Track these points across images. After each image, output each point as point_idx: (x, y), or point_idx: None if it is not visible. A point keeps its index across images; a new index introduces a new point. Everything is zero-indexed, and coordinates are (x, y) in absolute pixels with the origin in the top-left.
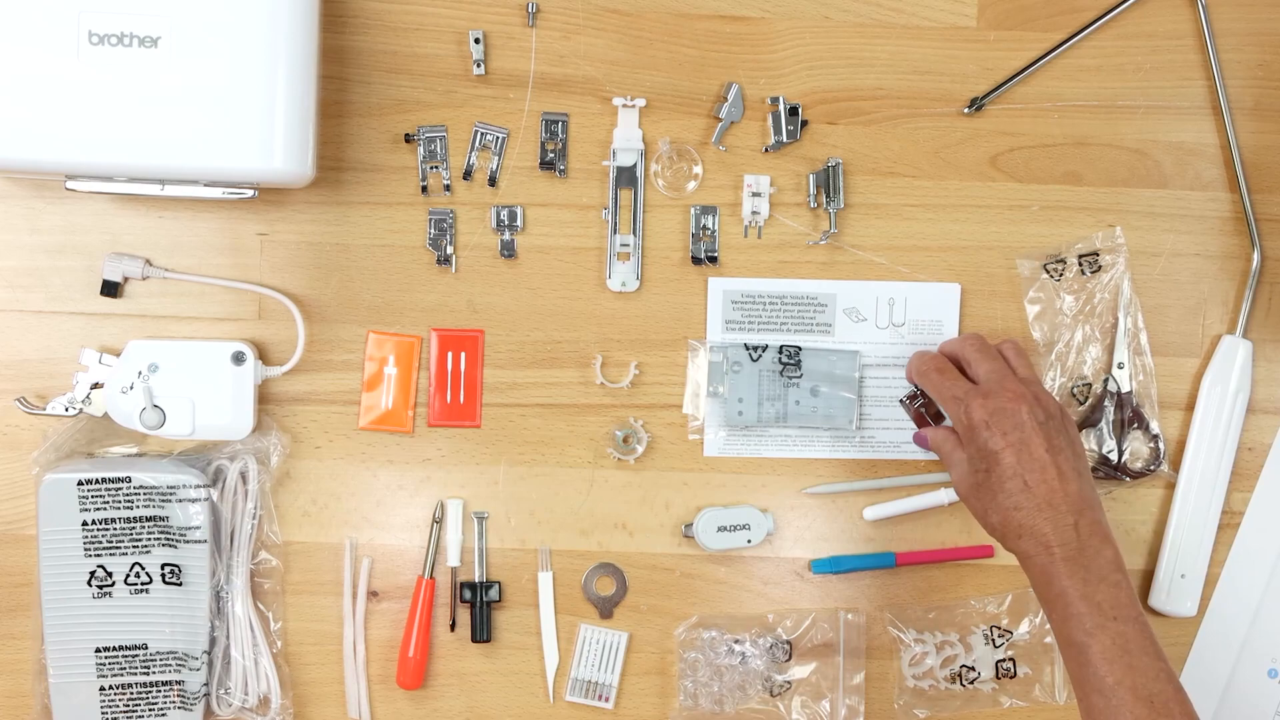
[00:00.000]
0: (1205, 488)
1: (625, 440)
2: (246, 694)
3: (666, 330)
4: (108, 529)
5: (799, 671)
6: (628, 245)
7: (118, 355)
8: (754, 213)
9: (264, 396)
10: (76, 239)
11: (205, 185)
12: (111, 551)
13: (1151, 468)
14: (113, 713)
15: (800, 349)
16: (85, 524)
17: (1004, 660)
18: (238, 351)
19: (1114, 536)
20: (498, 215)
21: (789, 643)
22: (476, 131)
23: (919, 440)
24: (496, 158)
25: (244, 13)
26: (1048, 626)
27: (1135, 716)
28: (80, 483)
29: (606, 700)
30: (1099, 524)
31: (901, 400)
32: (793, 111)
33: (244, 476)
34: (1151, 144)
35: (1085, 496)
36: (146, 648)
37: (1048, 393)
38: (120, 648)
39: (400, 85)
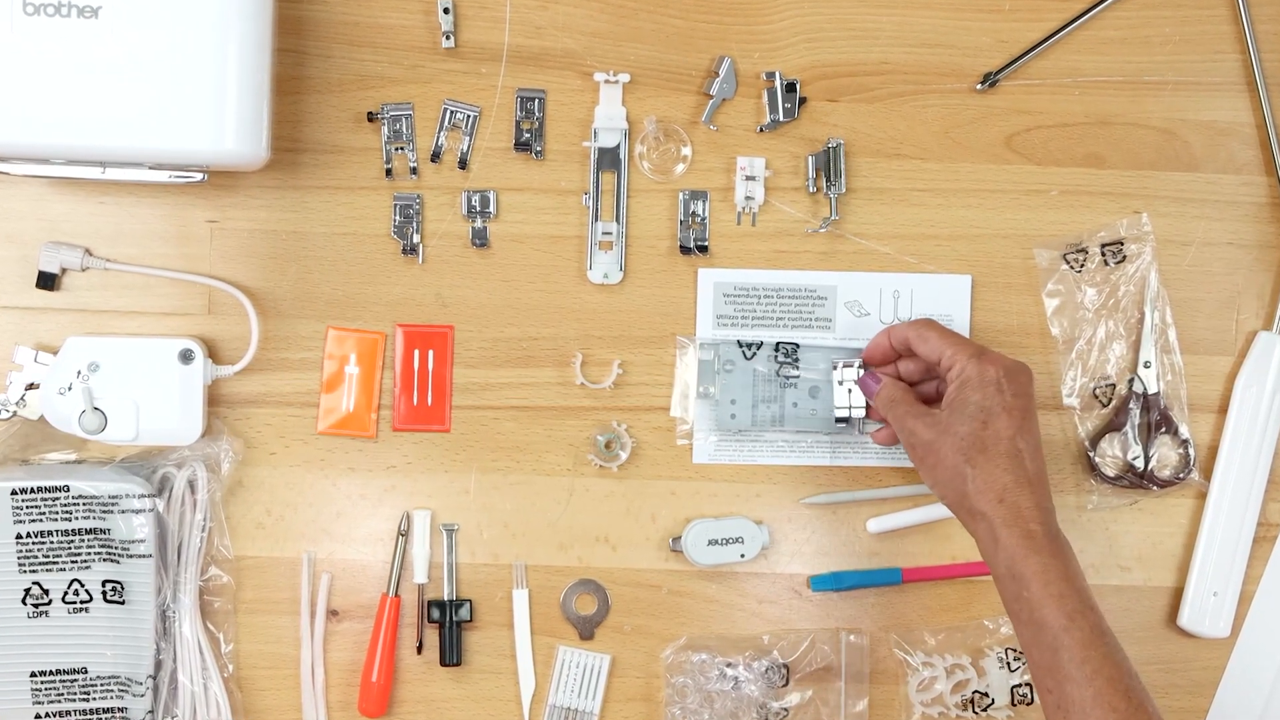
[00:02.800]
0: (1239, 497)
1: (608, 446)
2: None
3: (652, 326)
4: (44, 542)
5: (796, 698)
6: (610, 233)
7: (55, 353)
8: (748, 198)
9: (214, 398)
10: (10, 226)
11: (150, 168)
12: (48, 567)
13: (1181, 476)
14: None
15: (798, 346)
16: (19, 537)
17: (1020, 685)
18: (185, 349)
19: None
20: (469, 201)
21: (786, 666)
22: (445, 109)
23: (865, 384)
24: (467, 138)
25: None
26: None
27: (1113, 708)
28: (14, 492)
29: None
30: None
31: (859, 379)
32: (790, 88)
33: (192, 485)
34: (1180, 123)
35: (1050, 491)
36: (86, 672)
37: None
38: (57, 672)
39: (362, 59)
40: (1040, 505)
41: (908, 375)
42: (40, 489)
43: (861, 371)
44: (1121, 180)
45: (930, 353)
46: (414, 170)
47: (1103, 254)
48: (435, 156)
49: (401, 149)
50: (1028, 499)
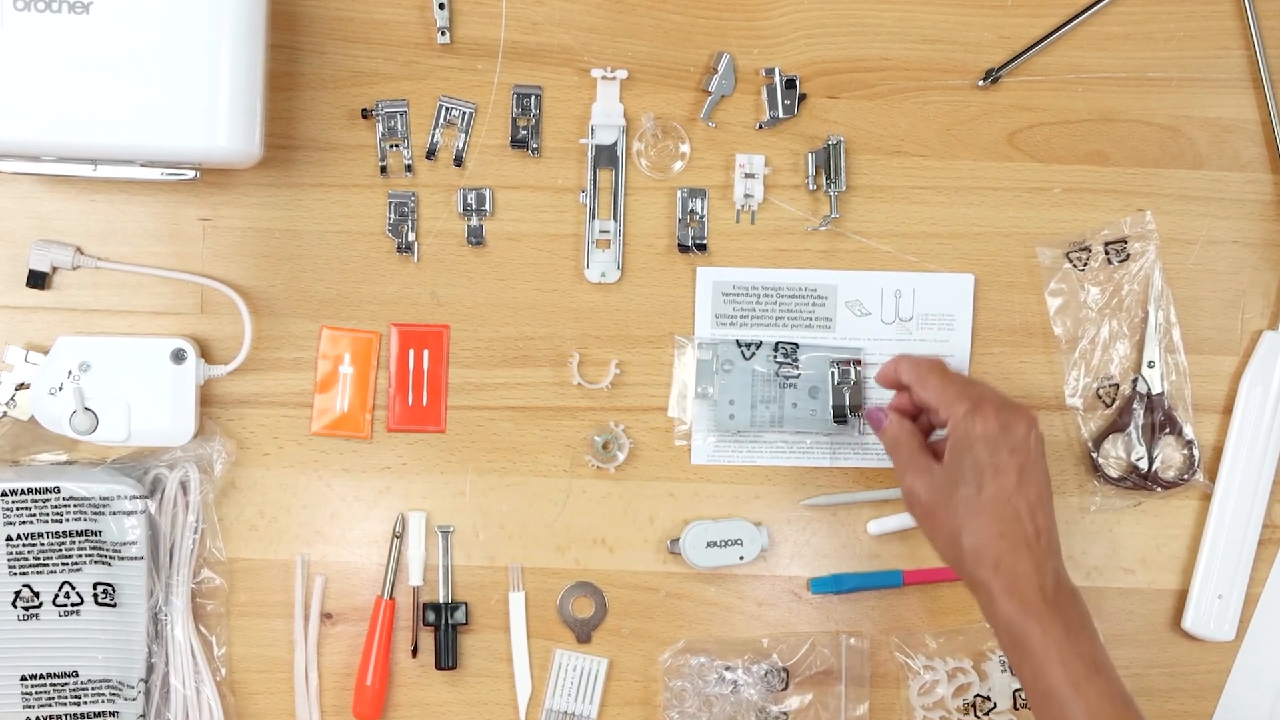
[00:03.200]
0: (1244, 499)
1: (605, 447)
2: None
3: (650, 325)
4: (34, 544)
5: (796, 702)
6: (608, 232)
7: (45, 353)
8: (747, 196)
9: (207, 398)
10: (0, 224)
11: (142, 165)
12: (38, 570)
13: (1185, 477)
14: None
15: (798, 346)
16: (9, 539)
17: (1022, 689)
18: (178, 349)
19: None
20: (464, 198)
21: (785, 670)
22: (441, 106)
23: (873, 418)
24: (463, 135)
25: None
26: None
27: None
28: (4, 494)
29: None
30: (1065, 572)
31: (865, 411)
32: (790, 84)
33: (185, 487)
34: (1185, 120)
35: (1057, 541)
36: (77, 675)
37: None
38: (48, 675)
39: (357, 55)
40: (1040, 568)
41: (919, 402)
42: (30, 490)
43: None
44: (1125, 178)
45: (929, 400)
46: (409, 168)
47: (1106, 252)
48: (430, 154)
49: (396, 146)
50: (1025, 563)
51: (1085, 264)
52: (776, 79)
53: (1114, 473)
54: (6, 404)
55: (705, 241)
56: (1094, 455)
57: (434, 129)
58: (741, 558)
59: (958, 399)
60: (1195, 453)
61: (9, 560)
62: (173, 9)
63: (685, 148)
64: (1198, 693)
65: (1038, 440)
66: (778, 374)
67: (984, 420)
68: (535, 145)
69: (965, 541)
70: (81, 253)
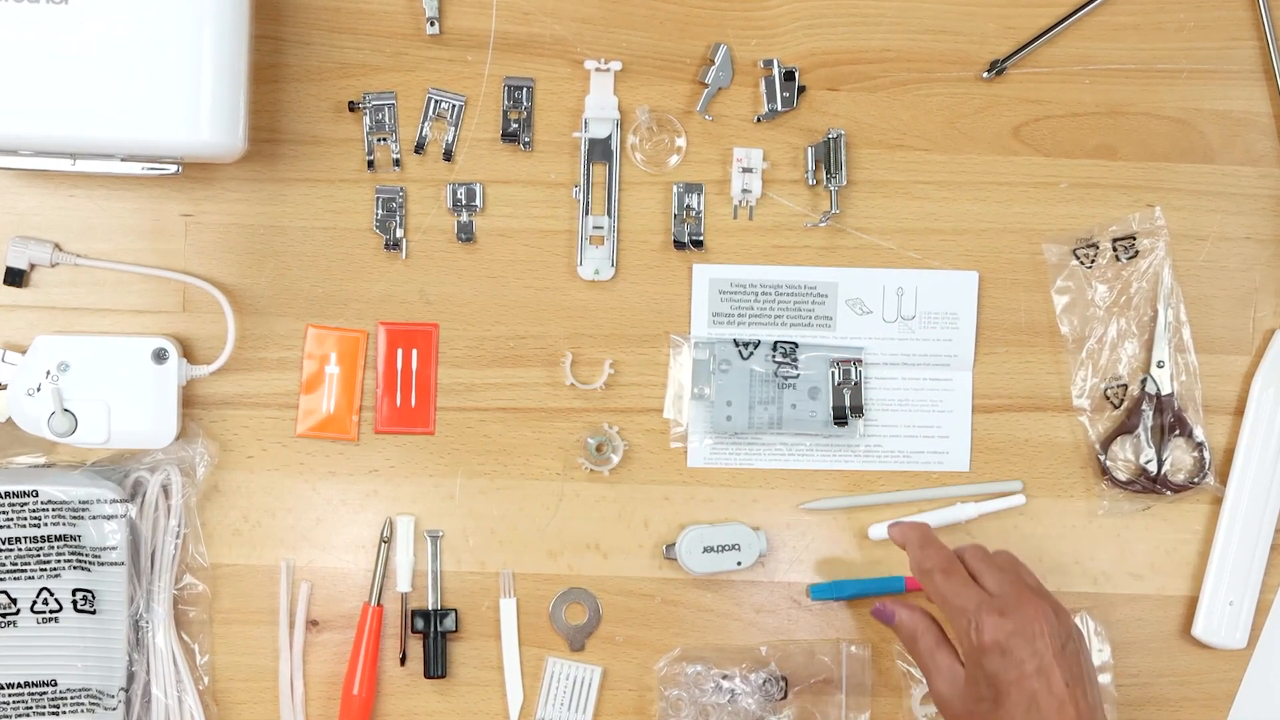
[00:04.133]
0: (1256, 503)
1: (599, 449)
2: None
3: (645, 324)
4: (11, 549)
5: (795, 711)
6: (601, 228)
7: (23, 353)
8: (745, 191)
9: (189, 399)
10: None
11: (122, 159)
12: (15, 575)
13: (1195, 480)
14: None
15: (797, 345)
16: None
17: None
18: (159, 348)
19: None
20: (454, 194)
21: (784, 678)
22: (430, 99)
23: (881, 615)
24: (453, 128)
25: None
26: None
27: None
28: None
29: None
30: None
31: (873, 609)
32: (789, 76)
33: (166, 490)
34: (1195, 113)
35: None
36: (55, 684)
37: (1062, 607)
38: (25, 684)
39: (343, 46)
40: None
41: None
42: (7, 494)
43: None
44: (1134, 172)
45: (933, 596)
46: (397, 162)
47: (1114, 249)
48: (419, 148)
49: (384, 140)
50: None
51: (1093, 261)
52: (775, 71)
53: (1122, 476)
54: None
55: (702, 238)
56: (1102, 458)
57: (423, 122)
58: (739, 563)
59: (956, 613)
60: (1206, 455)
61: None
62: None
63: (681, 141)
64: (1208, 702)
65: (1053, 637)
66: (776, 374)
67: (982, 635)
68: (527, 139)
69: None
70: (60, 249)
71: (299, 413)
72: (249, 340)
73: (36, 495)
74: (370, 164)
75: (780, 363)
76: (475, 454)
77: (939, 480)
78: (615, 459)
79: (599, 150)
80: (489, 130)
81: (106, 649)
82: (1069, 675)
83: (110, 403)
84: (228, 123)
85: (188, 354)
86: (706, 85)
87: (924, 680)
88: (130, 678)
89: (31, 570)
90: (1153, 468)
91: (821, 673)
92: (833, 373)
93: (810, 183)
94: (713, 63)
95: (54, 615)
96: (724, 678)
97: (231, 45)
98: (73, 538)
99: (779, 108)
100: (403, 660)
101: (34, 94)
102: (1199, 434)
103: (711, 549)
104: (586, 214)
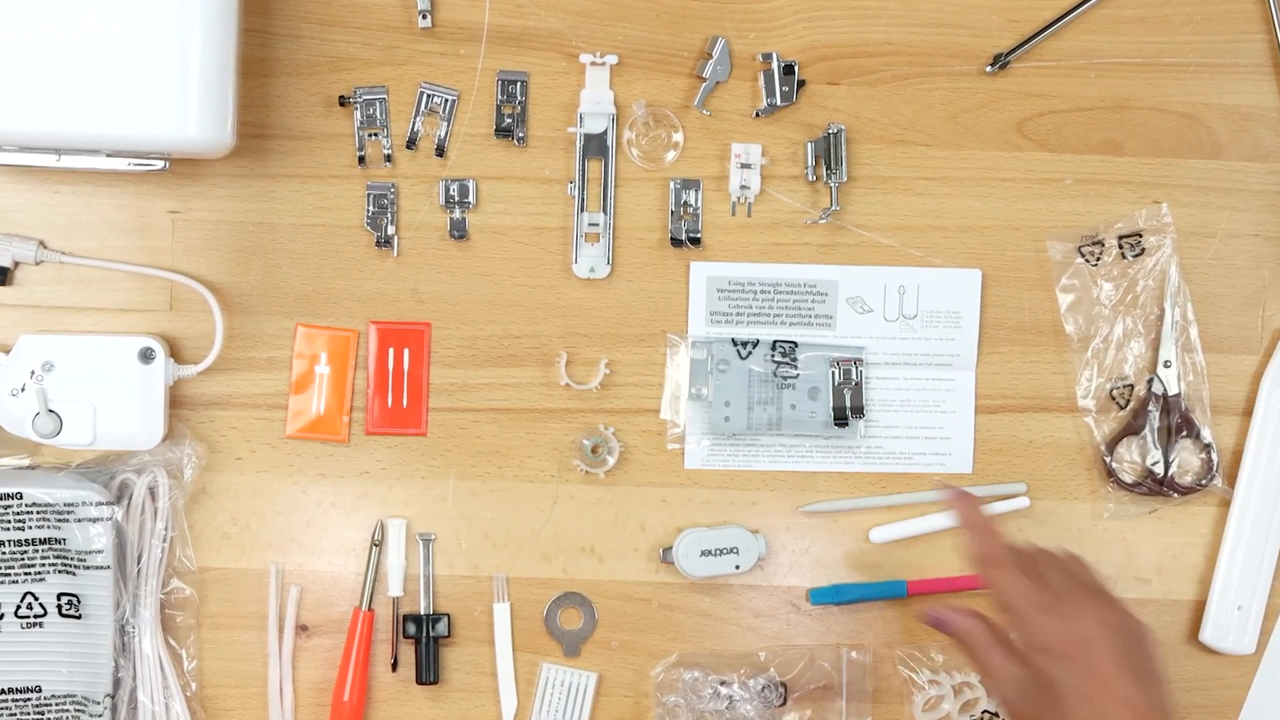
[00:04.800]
0: (1265, 505)
1: (594, 450)
2: None
3: (642, 323)
4: None
5: (795, 718)
6: (597, 225)
7: (7, 352)
8: (743, 187)
9: (176, 400)
10: None
11: (108, 155)
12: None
13: (1203, 482)
14: None
15: (796, 345)
16: None
17: None
18: (146, 348)
19: None
20: (446, 190)
21: (783, 685)
22: (422, 93)
23: (936, 623)
24: (445, 123)
25: None
26: None
27: None
28: None
29: None
30: None
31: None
32: (788, 70)
33: (153, 492)
34: (1203, 107)
35: None
36: (40, 690)
37: (1128, 609)
38: (9, 691)
39: (334, 39)
40: None
41: None
42: None
43: None
44: (1140, 168)
45: (992, 590)
46: (388, 158)
47: (1120, 246)
48: (411, 143)
49: (375, 135)
50: None
51: (1098, 259)
52: (774, 64)
53: (1128, 478)
54: None
55: (699, 235)
56: (1107, 460)
57: (415, 117)
58: (737, 567)
59: (1018, 608)
60: (1214, 457)
61: None
62: None
63: (678, 137)
64: (1216, 708)
65: (1114, 641)
66: (775, 374)
67: (1041, 636)
68: (521, 134)
69: None
70: (45, 247)
71: (288, 413)
72: (237, 340)
73: (20, 498)
74: (361, 160)
75: (779, 362)
76: (468, 455)
77: (942, 483)
78: (611, 461)
79: (594, 146)
80: (482, 125)
81: (92, 654)
82: (1133, 678)
83: (96, 403)
84: (216, 118)
85: (175, 353)
86: (704, 79)
87: (925, 688)
88: (116, 684)
89: (15, 574)
90: (1159, 470)
91: (821, 679)
92: (833, 373)
93: (810, 179)
94: (710, 56)
95: (38, 620)
96: (722, 684)
97: (220, 38)
98: (57, 541)
99: (778, 102)
100: (394, 666)
101: (18, 88)
102: (1206, 435)
103: (709, 552)
104: (582, 211)
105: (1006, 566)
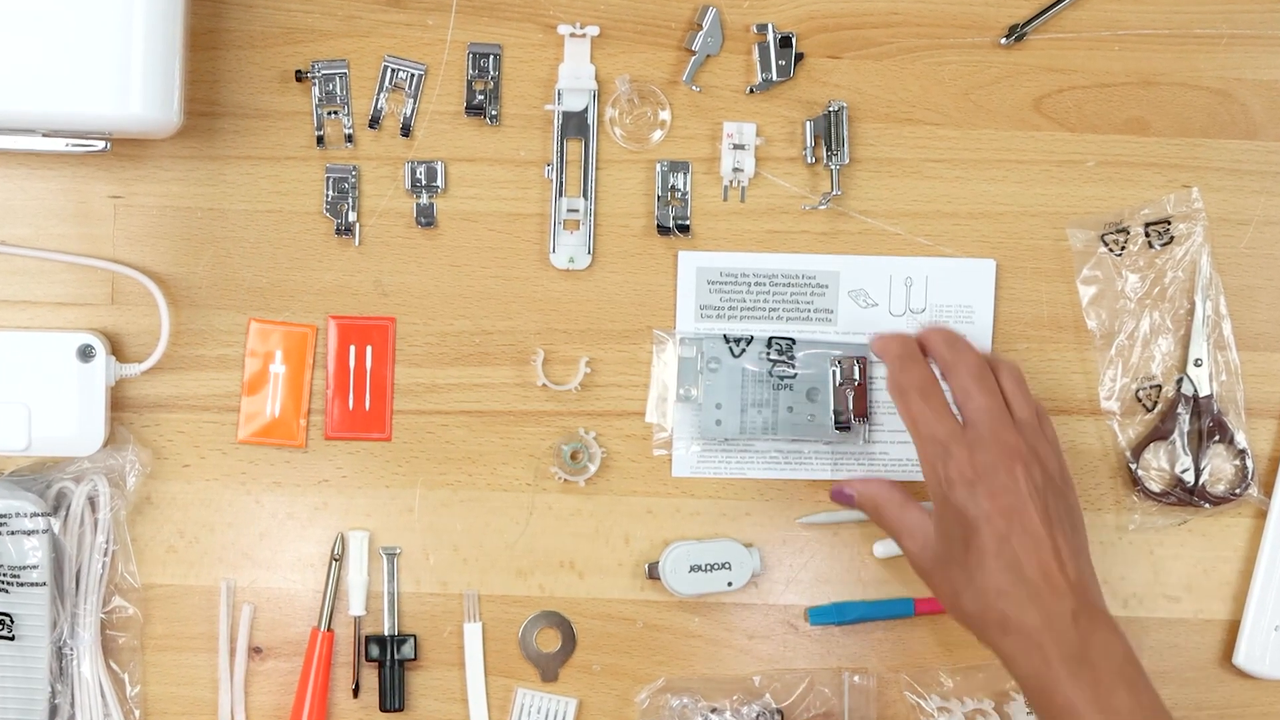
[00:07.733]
0: None
1: (573, 457)
2: None
3: (625, 318)
4: None
5: None
6: (576, 211)
7: None
8: (736, 170)
9: (118, 402)
10: None
11: (44, 135)
12: None
13: (1237, 491)
14: None
15: (794, 342)
16: None
17: None
18: (85, 345)
19: (1119, 625)
20: (413, 173)
21: (780, 712)
22: (386, 67)
23: (839, 498)
24: (411, 100)
25: None
26: None
27: None
28: None
29: None
30: (1101, 612)
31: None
32: (785, 42)
33: (93, 503)
34: (1237, 83)
35: (1085, 580)
36: None
37: (1047, 443)
38: None
39: (290, 9)
40: (1052, 620)
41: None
42: None
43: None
44: (1168, 149)
45: (904, 420)
46: (349, 138)
47: (1147, 235)
48: (374, 122)
49: (335, 113)
50: (1033, 617)
51: (1123, 248)
52: (770, 36)
53: (1156, 487)
54: None
55: (688, 222)
56: (1133, 467)
57: (378, 93)
58: (730, 584)
59: (926, 442)
60: (1248, 464)
61: None
62: None
63: (665, 115)
64: None
65: (1029, 474)
66: (771, 374)
67: (950, 468)
68: (494, 112)
69: (967, 605)
70: None
71: (240, 417)
72: (185, 336)
73: None
74: (320, 140)
75: (775, 361)
76: (436, 462)
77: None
78: (592, 468)
79: (574, 125)
80: (452, 103)
81: (27, 679)
82: (1045, 514)
83: (30, 405)
84: (161, 93)
85: (117, 351)
86: (694, 52)
87: (934, 715)
88: (53, 711)
89: None
90: (1189, 478)
91: (821, 706)
92: (834, 372)
93: (809, 161)
94: (700, 27)
95: None
96: (713, 711)
97: (165, 8)
98: None
99: (774, 77)
100: (355, 692)
101: None
102: (1241, 440)
103: (699, 568)
104: (560, 196)
105: (926, 394)
